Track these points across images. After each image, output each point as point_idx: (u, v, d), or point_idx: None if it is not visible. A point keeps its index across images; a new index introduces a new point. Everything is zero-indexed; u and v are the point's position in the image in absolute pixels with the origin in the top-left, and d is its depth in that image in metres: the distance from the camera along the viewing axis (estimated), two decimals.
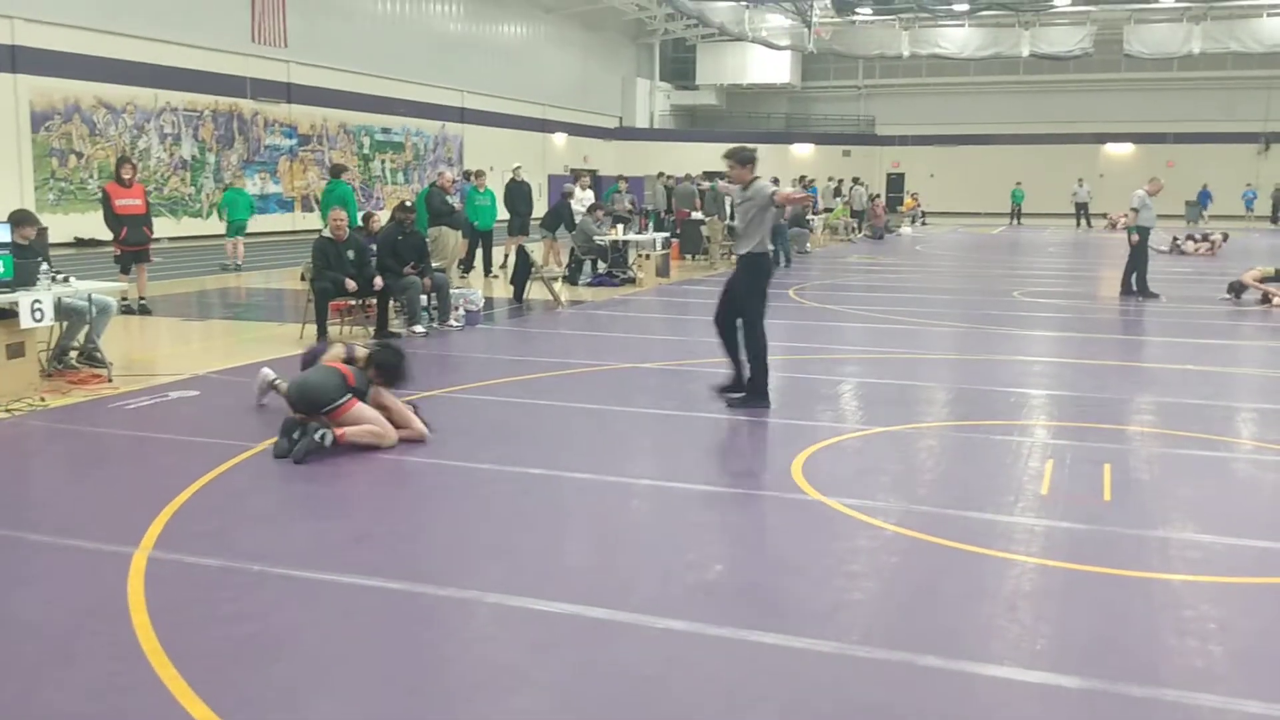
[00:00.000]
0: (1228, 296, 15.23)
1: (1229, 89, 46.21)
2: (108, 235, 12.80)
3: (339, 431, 6.30)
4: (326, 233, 10.82)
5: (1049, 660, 3.70)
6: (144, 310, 12.60)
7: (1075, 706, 3.39)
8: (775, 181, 21.77)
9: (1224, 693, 3.45)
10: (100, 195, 12.90)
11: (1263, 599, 4.32)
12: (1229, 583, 4.45)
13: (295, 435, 6.21)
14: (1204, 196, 42.09)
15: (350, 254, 10.73)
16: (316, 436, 6.19)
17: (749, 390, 7.84)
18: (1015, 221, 42.40)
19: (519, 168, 18.57)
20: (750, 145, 8.07)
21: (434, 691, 3.44)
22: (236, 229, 18.61)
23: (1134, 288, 15.71)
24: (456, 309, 11.92)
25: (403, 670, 3.58)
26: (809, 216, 25.91)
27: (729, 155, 7.85)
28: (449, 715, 3.29)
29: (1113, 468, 6.18)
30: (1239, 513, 5.48)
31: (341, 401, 6.39)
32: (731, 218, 13.92)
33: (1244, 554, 4.82)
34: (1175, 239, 26.26)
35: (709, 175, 27.41)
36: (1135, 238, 15.54)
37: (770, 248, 7.94)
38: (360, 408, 6.47)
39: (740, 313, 7.86)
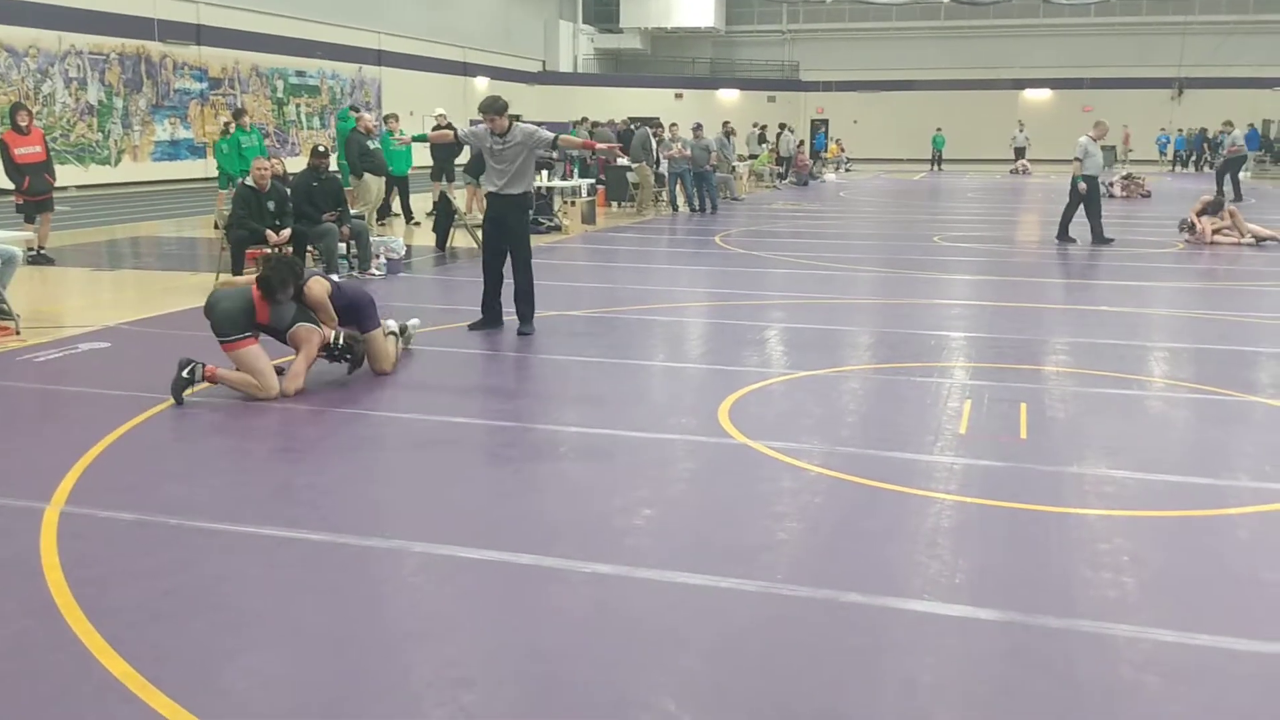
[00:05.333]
0: (1260, 240, 15.44)
1: (1144, 34, 47.06)
2: (8, 185, 12.33)
3: (209, 370, 6.30)
4: (249, 181, 10.56)
5: (968, 594, 3.78)
6: (45, 260, 12.19)
7: (994, 638, 3.47)
8: (699, 126, 21.74)
9: (1137, 622, 3.56)
10: None
11: (1173, 532, 4.46)
12: (1141, 516, 4.58)
13: (185, 373, 6.22)
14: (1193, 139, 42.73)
15: (271, 204, 10.52)
16: (185, 373, 6.19)
17: (521, 319, 8.43)
18: (936, 168, 42.85)
19: (442, 114, 18.24)
20: (499, 96, 8.59)
21: (360, 641, 3.41)
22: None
23: (1071, 235, 15.47)
24: (377, 257, 11.72)
25: (327, 621, 3.54)
26: (733, 163, 25.88)
27: (484, 109, 8.20)
28: (376, 664, 3.26)
29: (1029, 407, 6.31)
30: (1151, 449, 5.64)
31: (237, 338, 6.40)
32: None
33: (1155, 489, 4.96)
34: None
35: (633, 121, 27.21)
36: (1083, 186, 15.14)
37: (534, 186, 8.42)
38: (250, 352, 6.41)
39: (514, 249, 8.46)
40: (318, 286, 6.82)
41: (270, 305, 6.55)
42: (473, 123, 9.06)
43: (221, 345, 6.46)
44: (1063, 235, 15.73)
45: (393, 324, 7.40)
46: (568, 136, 9.15)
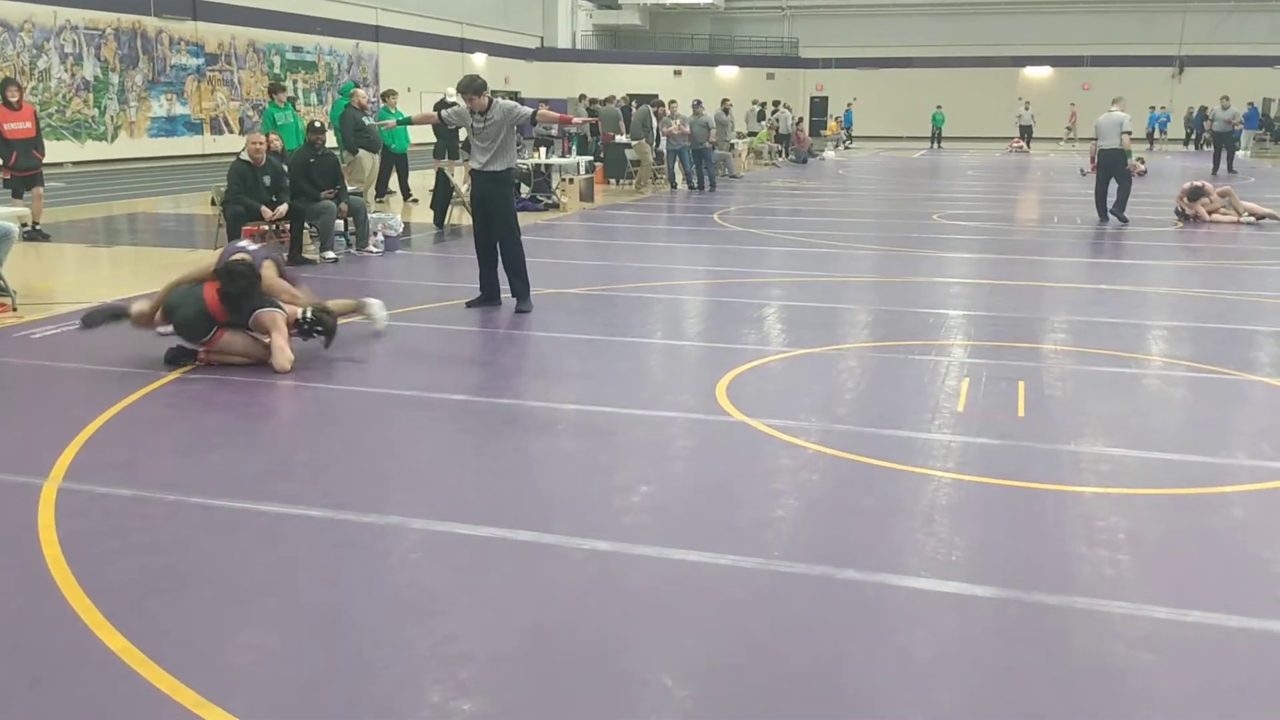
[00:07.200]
0: (1259, 218, 15.35)
1: (1145, 12, 46.85)
2: None
3: (203, 356, 6.54)
4: (244, 156, 10.53)
5: (964, 571, 3.79)
6: (41, 236, 12.16)
7: (990, 615, 3.48)
8: (699, 103, 21.65)
9: (1133, 599, 3.57)
10: None
11: (1169, 509, 4.46)
12: (1138, 494, 4.59)
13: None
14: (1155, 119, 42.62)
15: (266, 179, 10.48)
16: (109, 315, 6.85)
17: (517, 297, 8.44)
18: (935, 145, 42.70)
19: (450, 92, 18.19)
20: (478, 75, 8.51)
21: (357, 617, 3.42)
22: None
23: (1103, 210, 15.18)
24: (375, 234, 11.69)
25: (325, 597, 3.55)
26: (732, 141, 25.79)
27: (462, 89, 8.23)
28: (373, 639, 3.27)
29: (1026, 385, 6.32)
30: (1148, 427, 5.65)
31: (210, 335, 6.52)
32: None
33: (1152, 467, 4.97)
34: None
35: (633, 98, 27.10)
36: (1137, 165, 14.87)
37: (515, 163, 8.54)
38: (227, 338, 6.54)
39: (503, 227, 8.41)
40: (269, 272, 6.70)
41: (228, 308, 6.53)
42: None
43: (201, 346, 6.56)
44: (1120, 214, 15.26)
45: (375, 306, 7.41)
46: (545, 111, 9.20)
